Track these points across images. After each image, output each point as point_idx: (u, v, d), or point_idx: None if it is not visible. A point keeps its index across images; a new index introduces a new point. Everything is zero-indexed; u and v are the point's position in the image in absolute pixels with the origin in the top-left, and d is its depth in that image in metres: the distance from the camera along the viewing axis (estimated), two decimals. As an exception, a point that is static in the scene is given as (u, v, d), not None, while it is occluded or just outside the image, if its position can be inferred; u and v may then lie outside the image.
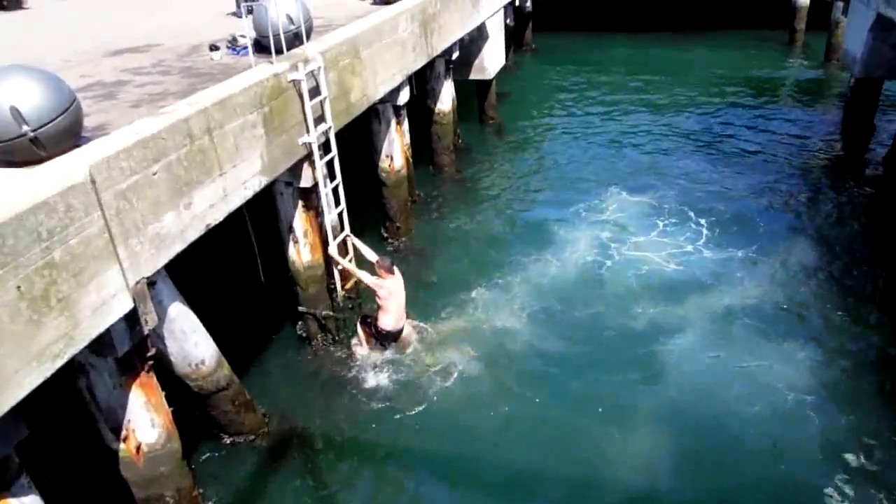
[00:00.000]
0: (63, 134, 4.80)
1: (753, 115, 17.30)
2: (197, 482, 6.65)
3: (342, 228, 8.73)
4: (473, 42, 15.43)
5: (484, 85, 16.75)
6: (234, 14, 10.68)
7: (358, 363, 8.68)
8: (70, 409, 6.39)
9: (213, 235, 6.43)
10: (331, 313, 8.85)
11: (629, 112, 18.17)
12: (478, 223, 12.34)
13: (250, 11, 7.72)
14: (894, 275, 10.02)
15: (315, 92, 7.57)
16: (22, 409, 4.34)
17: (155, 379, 5.92)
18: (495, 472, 7.12)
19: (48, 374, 4.36)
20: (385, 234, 11.59)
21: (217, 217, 6.14)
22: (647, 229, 11.70)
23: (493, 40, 15.80)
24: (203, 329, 6.64)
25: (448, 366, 8.51)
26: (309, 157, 7.74)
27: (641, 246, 11.16)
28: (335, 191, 8.46)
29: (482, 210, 12.88)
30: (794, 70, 21.19)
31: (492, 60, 15.99)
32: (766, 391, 7.85)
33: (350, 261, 8.68)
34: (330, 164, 8.22)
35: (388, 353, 8.72)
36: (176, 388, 6.55)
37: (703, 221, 11.83)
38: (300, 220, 8.20)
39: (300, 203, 8.09)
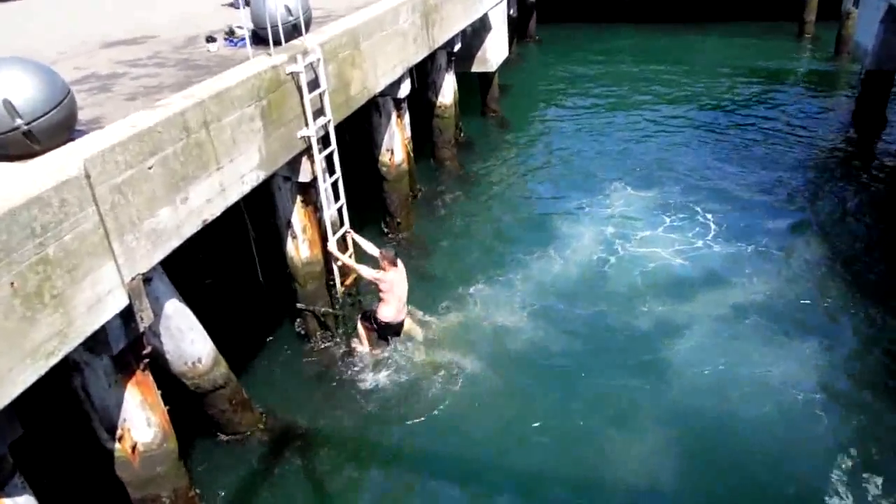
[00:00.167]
0: (57, 127, 4.80)
1: (762, 109, 17.26)
2: (194, 482, 6.66)
3: (342, 224, 8.73)
4: (476, 33, 15.39)
5: (486, 77, 16.72)
6: (231, 5, 10.66)
7: (358, 361, 8.68)
8: (65, 408, 6.40)
9: (210, 231, 6.43)
10: (330, 310, 8.85)
11: (635, 105, 18.13)
12: (480, 219, 12.33)
13: (248, 2, 7.70)
14: (906, 271, 10.02)
15: (314, 84, 7.56)
16: (16, 407, 4.35)
17: (151, 377, 5.92)
18: (495, 473, 7.13)
19: (42, 372, 4.37)
20: (385, 230, 11.59)
21: (214, 212, 6.13)
22: (653, 224, 11.69)
23: (496, 32, 15.76)
24: (200, 326, 6.64)
25: (449, 364, 8.51)
26: (308, 151, 7.73)
27: (647, 241, 11.16)
28: (334, 185, 8.45)
29: (484, 205, 12.87)
30: (803, 62, 21.14)
31: (494, 52, 15.95)
32: (774, 391, 7.85)
33: (350, 256, 8.68)
34: (329, 159, 8.21)
35: (389, 351, 8.73)
36: (172, 387, 6.55)
37: (710, 216, 11.82)
38: (299, 216, 8.19)
39: (299, 198, 8.09)
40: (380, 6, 9.69)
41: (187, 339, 6.50)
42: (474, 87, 16.95)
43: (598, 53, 23.15)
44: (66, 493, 6.71)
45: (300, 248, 8.38)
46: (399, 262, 8.54)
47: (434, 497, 6.95)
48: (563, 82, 20.49)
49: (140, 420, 5.84)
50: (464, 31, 13.76)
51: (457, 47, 13.43)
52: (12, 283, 4.10)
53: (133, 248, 5.14)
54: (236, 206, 6.69)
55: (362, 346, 8.82)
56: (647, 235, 11.34)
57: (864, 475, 6.76)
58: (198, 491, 6.71)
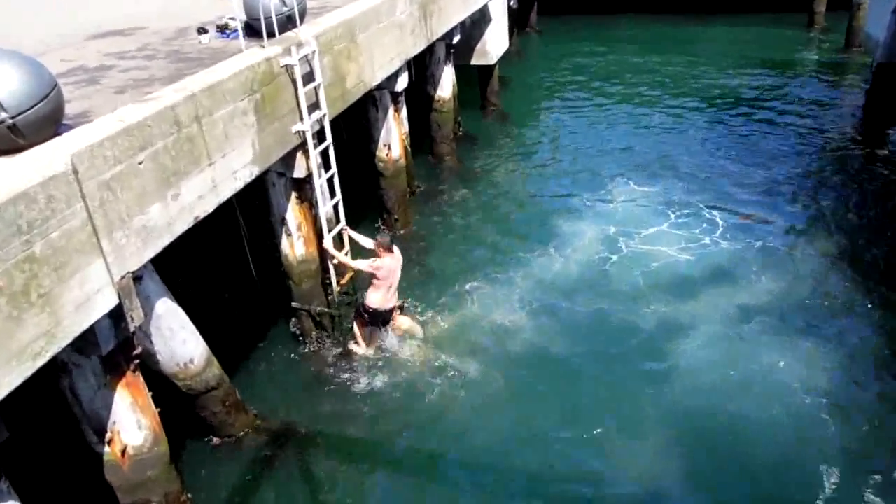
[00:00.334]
0: (43, 121, 4.78)
1: (770, 101, 17.26)
2: (185, 486, 6.65)
3: (337, 221, 8.72)
4: (475, 25, 15.38)
5: (486, 70, 16.70)
6: (224, -5, 10.64)
7: (354, 362, 8.68)
8: (52, 410, 6.39)
9: (203, 228, 6.42)
10: (325, 309, 8.84)
11: (639, 98, 18.13)
12: (479, 215, 12.32)
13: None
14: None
15: (309, 78, 7.54)
16: (1, 410, 4.34)
17: (141, 379, 5.91)
18: (495, 476, 7.12)
19: (29, 373, 4.36)
20: (383, 227, 11.59)
21: (206, 209, 6.12)
22: (657, 221, 11.69)
23: (496, 23, 15.75)
24: (192, 326, 6.64)
25: (448, 365, 8.51)
26: (303, 146, 7.72)
27: (651, 239, 11.15)
28: (330, 181, 8.44)
29: (484, 202, 12.86)
30: (812, 54, 21.13)
31: (494, 44, 15.94)
32: (781, 393, 7.83)
33: (346, 254, 8.67)
34: (325, 154, 8.20)
35: (386, 352, 8.73)
36: (163, 389, 6.54)
37: (716, 213, 11.82)
38: (293, 213, 8.18)
39: (293, 194, 8.07)
40: (376, -3, 9.67)
41: (179, 340, 6.49)
42: (474, 80, 16.93)
43: (600, 45, 23.15)
44: (54, 499, 6.70)
45: (295, 245, 8.37)
46: (395, 248, 8.49)
47: (432, 501, 6.94)
48: (565, 75, 20.48)
49: (130, 422, 5.83)
50: (463, 23, 13.75)
51: (456, 39, 13.42)
52: (-2, 282, 4.09)
53: (123, 246, 5.13)
54: (229, 202, 6.67)
55: (359, 346, 8.82)
56: (651, 232, 11.33)
57: (873, 482, 6.74)
58: (189, 496, 6.71)
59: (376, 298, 8.37)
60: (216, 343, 7.10)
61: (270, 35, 7.21)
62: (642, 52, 22.02)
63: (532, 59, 22.49)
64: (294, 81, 7.29)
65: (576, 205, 12.48)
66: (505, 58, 17.28)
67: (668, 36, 23.74)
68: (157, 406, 6.11)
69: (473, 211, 12.49)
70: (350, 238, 8.81)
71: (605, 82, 19.59)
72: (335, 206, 8.62)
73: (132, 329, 5.46)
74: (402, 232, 11.56)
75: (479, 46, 15.81)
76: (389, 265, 8.27)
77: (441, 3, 11.81)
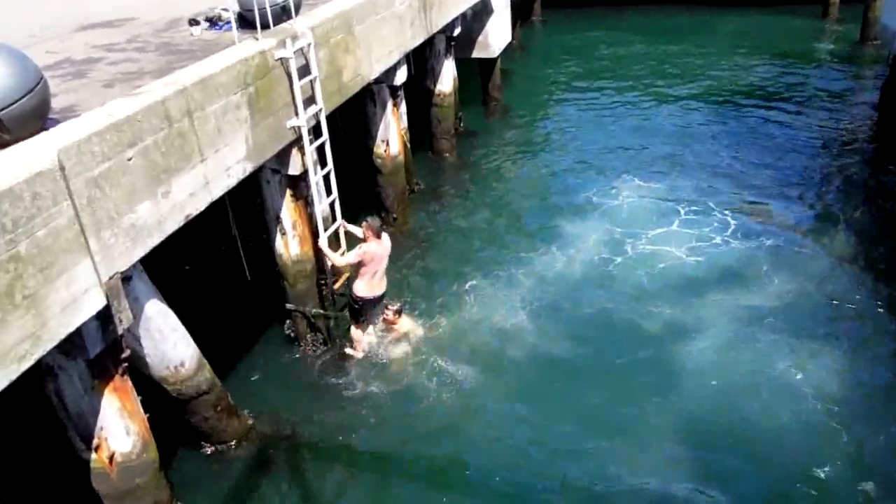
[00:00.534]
0: (29, 116, 4.77)
1: (782, 94, 17.27)
2: (175, 495, 6.63)
3: (334, 219, 8.72)
4: (477, 17, 15.38)
5: (488, 64, 16.70)
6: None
7: (350, 365, 8.68)
8: (37, 415, 6.38)
9: (194, 227, 6.41)
10: (321, 311, 8.84)
11: (646, 92, 18.14)
12: (480, 214, 12.32)
13: (234, -18, 7.68)
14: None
15: (304, 71, 7.54)
16: (-15, 415, 4.34)
17: (130, 383, 5.91)
18: (495, 484, 7.11)
19: (13, 377, 4.35)
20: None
21: (198, 207, 6.11)
22: (665, 219, 11.69)
23: (498, 15, 15.74)
24: (182, 329, 6.63)
25: (446, 368, 8.50)
26: (298, 142, 7.72)
27: (659, 238, 11.15)
28: (326, 178, 8.44)
29: (485, 199, 12.86)
30: (827, 45, 21.14)
31: (496, 37, 15.94)
32: (793, 399, 7.81)
33: (342, 254, 8.64)
34: (321, 150, 8.20)
35: (383, 356, 8.73)
36: (153, 393, 6.54)
37: (727, 210, 11.81)
38: (288, 211, 8.18)
39: (288, 192, 8.07)
40: (375, -13, 9.66)
41: (169, 342, 6.48)
42: (475, 74, 16.94)
43: (606, 36, 23.14)
44: (40, 506, 6.71)
45: (290, 244, 8.37)
46: (385, 235, 8.48)
47: (431, 510, 6.95)
48: (570, 67, 20.49)
49: (118, 428, 5.82)
50: (464, 15, 13.75)
51: (456, 31, 13.42)
52: (-19, 283, 4.09)
53: (111, 245, 5.13)
54: (221, 200, 6.67)
55: (355, 349, 8.82)
56: (658, 231, 11.33)
57: (886, 493, 6.73)
58: (180, 504, 6.72)
59: (362, 286, 8.39)
60: (208, 346, 7.10)
61: (264, 27, 7.21)
62: (650, 44, 22.03)
63: (535, 51, 22.49)
64: (289, 75, 7.28)
65: (580, 203, 12.48)
66: (507, 51, 17.28)
67: (677, 26, 23.74)
68: (146, 411, 6.10)
69: (474, 209, 12.49)
70: (347, 234, 8.76)
71: (611, 75, 19.59)
72: (331, 204, 8.62)
73: (120, 331, 5.45)
74: (400, 230, 11.55)
75: (480, 39, 15.81)
76: (375, 251, 8.23)
77: (441, -7, 11.82)
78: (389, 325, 8.96)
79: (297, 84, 7.35)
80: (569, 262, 10.67)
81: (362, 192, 11.23)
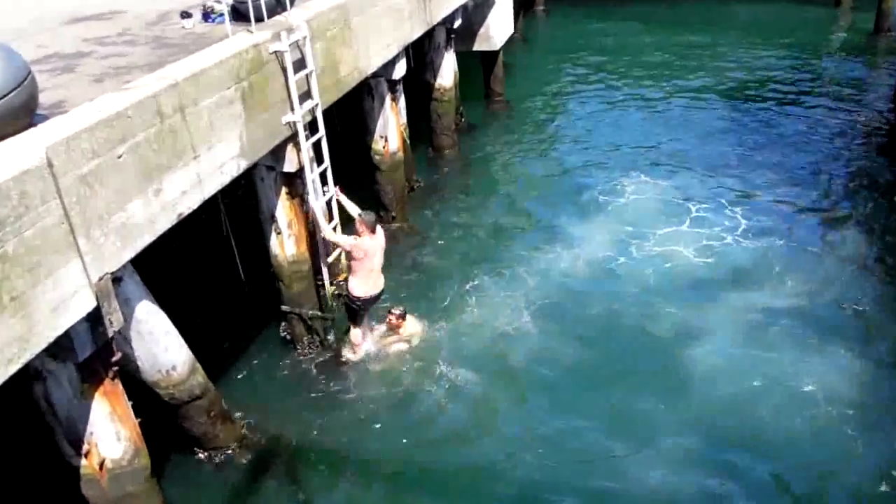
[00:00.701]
0: (16, 111, 4.78)
1: (794, 87, 17.28)
2: (167, 502, 6.65)
3: (331, 218, 8.72)
4: (478, 8, 15.39)
5: (490, 57, 16.71)
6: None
7: (348, 369, 8.69)
8: (25, 420, 6.39)
9: (186, 226, 6.42)
10: (318, 313, 8.85)
11: (653, 85, 18.15)
12: (482, 212, 12.34)
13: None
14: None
15: (300, 65, 7.55)
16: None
17: (121, 387, 5.91)
18: (499, 492, 7.12)
19: (0, 381, 4.36)
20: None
21: (190, 205, 6.12)
22: (673, 218, 11.69)
23: (500, 6, 15.75)
24: (175, 331, 6.64)
25: (446, 372, 8.51)
26: (293, 138, 7.72)
27: (667, 237, 11.15)
28: (323, 176, 8.45)
29: (487, 197, 12.87)
30: (839, 37, 21.17)
31: (498, 29, 15.94)
32: (805, 405, 7.80)
33: (335, 228, 8.59)
34: (317, 146, 8.21)
35: (382, 359, 8.74)
36: (144, 397, 6.55)
37: (738, 209, 11.81)
38: (284, 209, 8.19)
39: (284, 189, 8.08)
40: (372, -22, 9.68)
41: (161, 345, 6.49)
42: (476, 67, 16.95)
43: (612, 27, 23.16)
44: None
45: (285, 244, 8.38)
46: (379, 229, 8.45)
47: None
48: (574, 60, 20.49)
49: (109, 434, 5.83)
50: (464, 6, 13.76)
51: (457, 23, 13.43)
52: (-33, 284, 4.10)
53: (101, 245, 5.14)
54: (214, 198, 6.68)
55: (354, 352, 8.82)
56: (666, 231, 11.33)
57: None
58: (172, 512, 6.73)
59: (358, 284, 8.33)
60: (201, 349, 7.10)
61: (258, 19, 7.22)
62: (657, 34, 22.05)
63: (538, 43, 22.50)
64: (284, 69, 7.29)
65: (586, 200, 12.48)
66: (509, 43, 17.30)
67: (685, 16, 23.75)
68: (137, 416, 6.11)
69: (476, 207, 12.50)
70: (339, 203, 8.67)
71: (616, 68, 19.60)
72: (328, 202, 8.63)
73: (111, 334, 5.46)
74: (399, 229, 11.56)
75: (481, 31, 15.82)
76: (368, 246, 8.17)
77: (441, -16, 11.83)
78: (394, 329, 8.96)
79: (292, 78, 7.35)
80: (573, 262, 10.68)
81: (360, 190, 11.22)
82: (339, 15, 8.47)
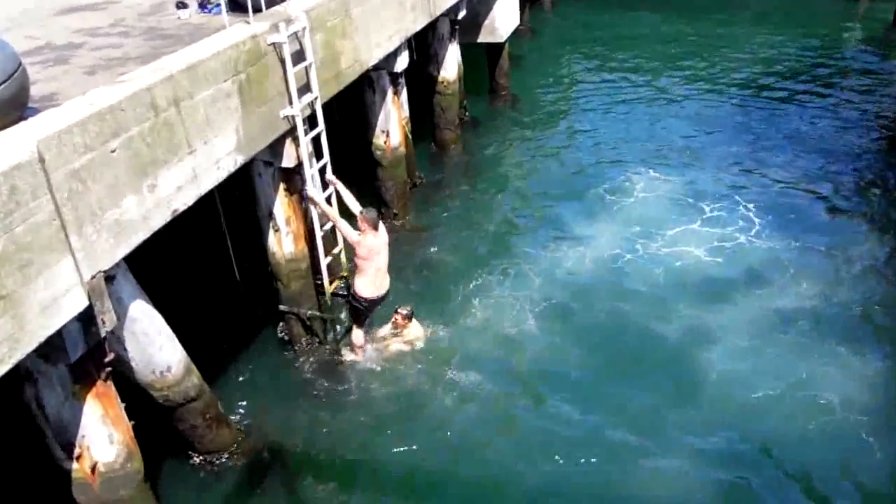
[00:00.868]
0: (6, 104, 4.79)
1: (809, 82, 17.23)
2: (162, 508, 6.68)
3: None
4: (483, -2, 15.38)
5: (495, 49, 16.69)
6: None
7: (348, 371, 8.69)
8: (15, 422, 6.41)
9: (181, 223, 6.43)
10: (317, 313, 8.86)
11: (664, 77, 18.13)
12: (486, 209, 12.33)
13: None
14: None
15: (299, 57, 7.55)
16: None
17: (113, 388, 5.93)
18: (500, 497, 7.13)
19: (-10, 382, 4.38)
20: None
21: (186, 201, 6.13)
22: (684, 217, 11.67)
23: (507, -4, 15.75)
24: (169, 331, 6.65)
25: (449, 374, 8.52)
26: (292, 133, 7.73)
27: (678, 237, 11.13)
28: (322, 171, 8.45)
29: (491, 194, 12.86)
30: (857, 30, 21.08)
31: (504, 20, 15.92)
32: (820, 410, 7.79)
33: (334, 228, 8.58)
34: (316, 141, 8.21)
35: (384, 361, 8.74)
36: (138, 400, 6.56)
37: (752, 207, 11.78)
38: (282, 206, 8.20)
39: (282, 186, 8.09)
40: (374, -33, 9.67)
41: (155, 346, 6.50)
42: (481, 59, 16.92)
43: (622, 17, 23.08)
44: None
45: (283, 242, 8.39)
46: (382, 227, 8.41)
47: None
48: (582, 52, 20.46)
49: (101, 436, 5.85)
50: (470, -4, 13.74)
51: (461, 14, 13.41)
52: (-44, 282, 4.11)
53: (93, 242, 5.15)
54: (210, 194, 6.68)
55: (355, 354, 8.83)
56: (677, 230, 11.31)
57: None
58: (166, 517, 6.75)
59: (366, 285, 8.27)
60: (196, 350, 7.11)
61: (256, 10, 7.23)
62: (668, 25, 22.00)
63: (546, 35, 22.46)
64: (282, 61, 7.30)
65: (593, 198, 12.47)
66: (515, 35, 17.27)
67: (697, 7, 23.66)
68: (130, 419, 6.12)
69: (480, 204, 12.49)
70: (337, 192, 8.62)
71: (626, 60, 19.56)
72: (328, 199, 8.63)
73: (103, 334, 5.48)
74: (400, 226, 11.57)
75: (486, 22, 15.79)
76: (372, 244, 8.14)
77: (445, -26, 11.82)
78: (398, 328, 8.97)
79: (290, 71, 7.36)
80: (580, 261, 10.67)
81: (361, 186, 11.22)
82: (339, 5, 8.47)
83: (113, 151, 5.26)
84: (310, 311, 8.81)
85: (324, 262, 8.57)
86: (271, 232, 8.36)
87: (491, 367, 8.66)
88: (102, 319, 5.36)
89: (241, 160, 6.87)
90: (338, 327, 9.03)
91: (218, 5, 7.79)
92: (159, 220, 5.84)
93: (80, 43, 7.14)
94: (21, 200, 4.48)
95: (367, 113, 11.03)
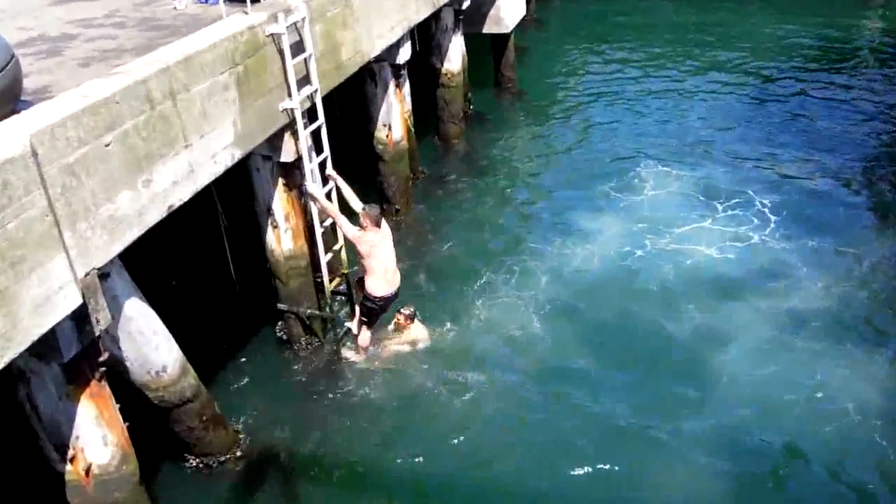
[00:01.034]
0: (-1, 97, 4.83)
1: (825, 76, 17.14)
2: (157, 511, 6.71)
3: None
4: (488, -12, 15.38)
5: (500, 40, 16.66)
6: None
7: (349, 372, 8.71)
8: (7, 423, 6.44)
9: (177, 219, 6.45)
10: (316, 312, 8.87)
11: (675, 69, 18.07)
12: (490, 205, 12.33)
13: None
14: None
15: (298, 48, 7.56)
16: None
17: (108, 389, 5.95)
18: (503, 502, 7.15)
19: (-18, 382, 4.41)
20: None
21: (182, 197, 6.16)
22: (695, 215, 11.65)
23: (512, -14, 15.73)
24: (165, 330, 6.67)
25: (452, 376, 8.52)
26: (291, 126, 7.74)
27: (687, 236, 11.10)
28: (322, 166, 8.46)
29: (495, 189, 12.86)
30: (874, 22, 20.98)
31: (510, 10, 15.90)
32: (834, 414, 7.78)
33: (333, 225, 8.58)
34: (316, 135, 8.22)
35: (385, 361, 8.76)
36: (133, 400, 6.59)
37: (766, 203, 11.75)
38: (281, 201, 8.22)
39: (281, 181, 8.10)
40: (376, -44, 9.68)
41: (150, 345, 6.53)
42: (486, 51, 16.90)
43: (631, 7, 22.95)
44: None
45: (282, 238, 8.41)
46: (384, 224, 8.39)
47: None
48: (590, 43, 20.40)
49: (95, 438, 5.87)
50: (474, -14, 13.74)
51: (466, 4, 13.40)
52: (-53, 279, 4.14)
53: (87, 239, 5.17)
54: (207, 189, 6.70)
55: (357, 353, 8.84)
56: (687, 228, 11.28)
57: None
58: (162, 521, 6.78)
59: (376, 283, 8.22)
60: (192, 349, 7.13)
61: (255, 0, 7.23)
62: (679, 14, 21.90)
63: (553, 26, 22.42)
64: (281, 52, 7.31)
65: (600, 193, 12.45)
66: (522, 25, 17.24)
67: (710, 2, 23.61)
68: (125, 420, 6.15)
69: (484, 200, 12.49)
70: (337, 188, 8.59)
71: (636, 52, 19.52)
72: (328, 194, 8.64)
73: (98, 332, 5.49)
74: (403, 222, 11.58)
75: (492, 12, 15.77)
76: (373, 240, 8.10)
77: (449, -38, 11.82)
78: (401, 329, 8.98)
79: (289, 62, 7.37)
80: (588, 259, 10.66)
81: (362, 181, 11.24)
82: (339, -5, 8.49)
83: (107, 145, 5.28)
84: (309, 310, 8.83)
85: (324, 259, 8.58)
86: (270, 228, 8.38)
87: (494, 368, 8.66)
88: (96, 318, 5.38)
89: (238, 154, 6.89)
90: (338, 327, 9.04)
91: (215, -5, 7.82)
92: (155, 215, 5.86)
93: (74, 34, 7.17)
94: (13, 196, 4.50)
95: (369, 106, 11.03)
